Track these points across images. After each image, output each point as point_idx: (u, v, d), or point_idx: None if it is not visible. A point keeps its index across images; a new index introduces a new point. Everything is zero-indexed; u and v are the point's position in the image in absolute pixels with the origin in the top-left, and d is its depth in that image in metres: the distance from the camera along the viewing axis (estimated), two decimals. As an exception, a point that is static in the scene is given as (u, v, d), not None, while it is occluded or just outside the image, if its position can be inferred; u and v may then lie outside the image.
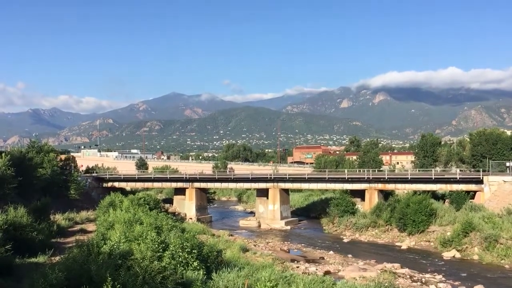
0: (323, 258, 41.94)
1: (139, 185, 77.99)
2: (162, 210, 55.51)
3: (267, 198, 66.73)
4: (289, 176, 67.78)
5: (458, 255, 41.55)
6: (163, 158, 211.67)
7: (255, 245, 46.64)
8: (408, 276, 34.34)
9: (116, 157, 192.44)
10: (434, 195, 59.43)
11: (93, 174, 77.63)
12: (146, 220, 28.48)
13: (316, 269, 35.52)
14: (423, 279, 33.55)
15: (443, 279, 33.59)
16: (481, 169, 59.37)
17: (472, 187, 55.33)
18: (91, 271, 12.32)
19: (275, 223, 64.83)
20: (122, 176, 77.37)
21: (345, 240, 52.46)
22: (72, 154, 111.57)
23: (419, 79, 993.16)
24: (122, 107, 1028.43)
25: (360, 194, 62.32)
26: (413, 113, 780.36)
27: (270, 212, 66.01)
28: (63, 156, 73.32)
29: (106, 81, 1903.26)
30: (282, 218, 65.61)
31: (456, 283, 32.41)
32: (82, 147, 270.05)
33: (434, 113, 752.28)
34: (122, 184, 76.05)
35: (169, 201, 77.10)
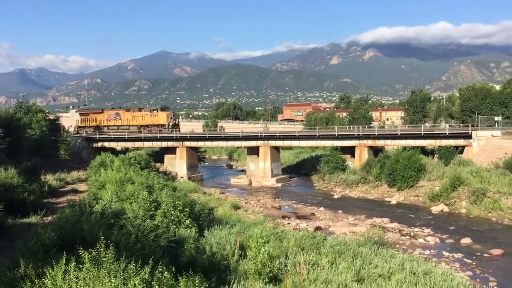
0: (313, 214, 42.46)
1: (129, 144, 77.60)
2: (153, 169, 55.54)
3: (258, 156, 66.95)
4: (280, 134, 67.86)
5: (446, 209, 42.19)
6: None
7: (246, 203, 47.05)
8: (397, 230, 34.93)
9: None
10: (424, 150, 59.86)
11: (82, 135, 77.15)
12: (138, 179, 28.53)
13: (307, 225, 36.01)
14: (412, 233, 34.16)
15: (431, 232, 34.21)
16: (470, 124, 59.69)
17: (461, 142, 55.75)
18: (84, 231, 12.40)
19: (266, 180, 65.27)
20: (112, 136, 76.91)
21: (336, 197, 53.04)
22: (61, 114, 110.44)
23: (410, 35, 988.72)
24: (110, 66, 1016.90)
25: (350, 150, 62.65)
26: (403, 69, 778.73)
27: (261, 170, 66.35)
28: (51, 116, 72.67)
29: (93, 40, 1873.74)
30: (273, 176, 66.03)
31: (444, 236, 33.03)
32: (71, 107, 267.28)
33: (424, 68, 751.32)
34: (112, 144, 75.68)
35: (160, 160, 77.10)
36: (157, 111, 76.86)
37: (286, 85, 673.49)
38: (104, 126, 78.33)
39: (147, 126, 76.05)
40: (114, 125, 77.85)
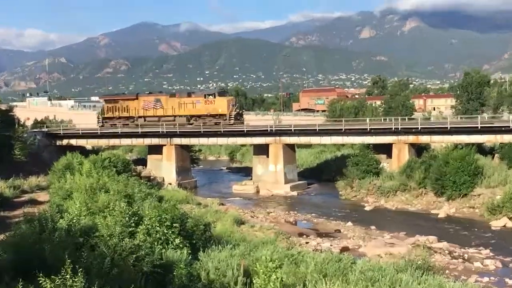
0: (339, 231, 42.38)
1: (102, 142, 77.90)
2: (134, 173, 55.60)
3: (267, 156, 66.86)
4: (295, 128, 67.73)
5: (510, 224, 41.96)
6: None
7: (252, 217, 46.98)
8: (446, 252, 34.80)
9: (72, 106, 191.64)
10: (481, 149, 59.58)
11: (43, 129, 77.42)
12: (113, 186, 28.56)
13: (331, 245, 35.94)
14: (466, 255, 34.02)
15: (491, 254, 34.04)
16: (541, 115, 59.42)
17: (529, 138, 55.46)
18: (45, 252, 12.44)
19: (277, 188, 65.22)
20: (80, 131, 77.22)
21: (367, 208, 52.92)
22: (15, 104, 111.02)
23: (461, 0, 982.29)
24: (78, 41, 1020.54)
25: (386, 149, 62.43)
26: (454, 44, 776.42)
27: (271, 174, 66.29)
28: (3, 106, 72.88)
29: (54, 8, 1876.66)
30: (286, 182, 65.97)
31: (507, 259, 32.88)
32: (28, 94, 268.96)
33: (481, 43, 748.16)
34: (81, 142, 75.95)
35: (142, 162, 77.28)
36: (214, 96, 73.21)
37: (303, 65, 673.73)
38: (140, 116, 76.23)
39: (199, 116, 73.25)
40: (154, 116, 75.61)
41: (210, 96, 73.54)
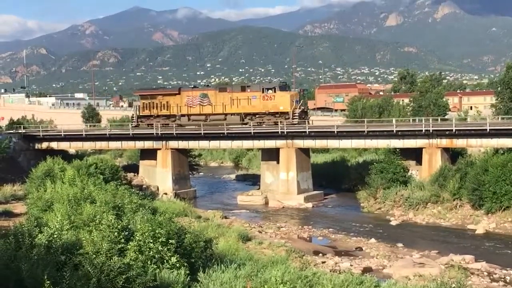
0: (360, 249, 42.34)
1: (88, 145, 78.02)
2: (124, 182, 55.69)
3: (278, 162, 66.85)
4: (310, 130, 67.67)
5: (559, 241, 41.86)
6: (122, 106, 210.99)
7: (260, 232, 47.02)
8: (485, 273, 34.71)
9: (54, 104, 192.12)
10: (525, 154, 59.41)
11: (19, 131, 77.57)
12: (100, 196, 28.64)
13: (351, 265, 35.93)
14: (508, 277, 33.95)
15: (537, 276, 33.97)
16: None
17: None
18: (22, 272, 12.47)
19: (289, 198, 65.17)
20: (62, 133, 77.34)
21: (393, 223, 52.84)
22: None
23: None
24: (60, 30, 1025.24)
25: (415, 154, 62.34)
26: (494, 33, 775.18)
27: (282, 183, 66.28)
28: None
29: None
30: (300, 192, 65.93)
31: (556, 282, 32.75)
32: (3, 90, 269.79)
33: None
34: (64, 145, 76.08)
35: (134, 168, 77.37)
36: (274, 91, 70.79)
37: (319, 57, 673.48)
38: (183, 115, 74.81)
39: (255, 114, 71.43)
40: (200, 114, 73.88)
41: (270, 90, 71.16)
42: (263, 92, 70.89)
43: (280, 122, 67.19)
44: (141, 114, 76.98)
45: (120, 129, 78.74)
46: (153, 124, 73.57)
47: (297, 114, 68.84)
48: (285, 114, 69.03)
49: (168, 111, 75.12)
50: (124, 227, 18.79)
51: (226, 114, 72.18)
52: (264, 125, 69.39)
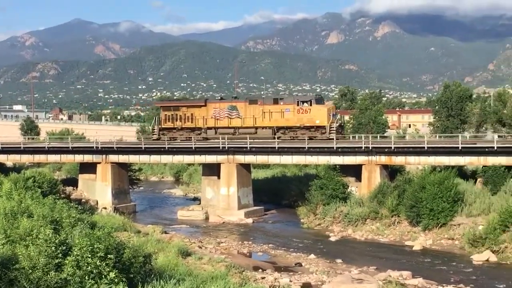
0: (300, 264, 42.45)
1: (26, 158, 76.76)
2: (62, 195, 54.99)
3: (219, 177, 66.84)
4: (252, 145, 67.79)
5: (493, 258, 42.54)
6: (62, 119, 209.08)
7: (200, 247, 46.83)
8: (422, 289, 35.14)
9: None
10: (462, 172, 60.42)
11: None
12: (38, 210, 28.21)
13: (291, 281, 35.96)
14: (444, 293, 34.41)
15: (473, 292, 34.53)
16: (528, 135, 60.41)
17: (515, 160, 56.47)
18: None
19: (230, 214, 65.17)
20: (0, 146, 76.13)
21: (333, 239, 53.16)
22: None
23: (442, 3, 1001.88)
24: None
25: (355, 171, 62.94)
26: (432, 53, 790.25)
27: (223, 199, 66.24)
28: None
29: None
30: (240, 207, 65.97)
31: (490, 298, 33.34)
32: None
33: (463, 53, 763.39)
34: (1, 158, 74.91)
35: (73, 182, 76.49)
36: (310, 104, 67.92)
37: (262, 73, 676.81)
38: (209, 128, 71.95)
39: (289, 128, 69.03)
40: (228, 127, 71.13)
41: (305, 103, 68.37)
42: (298, 105, 68.35)
43: (311, 137, 66.36)
44: (163, 126, 74.14)
45: (59, 142, 77.64)
46: (176, 137, 72.18)
47: (334, 128, 66.14)
48: (322, 128, 66.75)
49: (193, 123, 72.46)
50: (61, 241, 18.53)
51: (256, 128, 69.85)
52: (297, 140, 67.07)
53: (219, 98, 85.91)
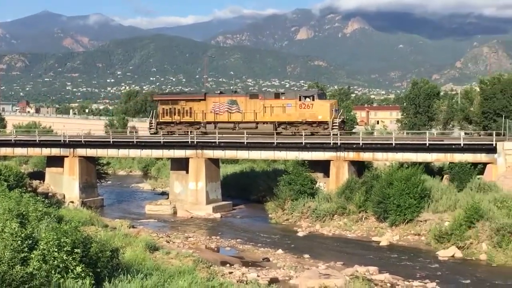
0: (267, 259, 42.50)
1: (-9, 151, 76.07)
2: (29, 189, 54.51)
3: (187, 172, 66.69)
4: (220, 140, 67.61)
5: (459, 253, 42.90)
6: (29, 112, 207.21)
7: (168, 242, 46.70)
8: (388, 284, 35.32)
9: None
10: (429, 169, 60.77)
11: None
12: (3, 204, 27.94)
13: (258, 276, 35.96)
14: (410, 288, 34.67)
15: (438, 287, 34.81)
16: (494, 133, 60.82)
17: (481, 157, 56.85)
18: None
19: (198, 208, 65.05)
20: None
21: (300, 234, 53.25)
22: None
23: (411, 1, 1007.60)
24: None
25: (323, 166, 63.04)
26: (401, 50, 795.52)
27: (191, 193, 66.09)
28: None
29: None
30: (208, 202, 65.87)
31: (456, 293, 33.64)
32: None
33: (431, 50, 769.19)
34: (-34, 151, 74.16)
35: (40, 175, 75.86)
36: (312, 99, 67.26)
37: (231, 67, 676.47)
38: (208, 122, 71.01)
39: (291, 123, 68.27)
40: (228, 121, 70.30)
41: (307, 98, 67.63)
42: (300, 100, 67.56)
43: (313, 133, 66.07)
44: (161, 120, 73.23)
45: (26, 135, 76.89)
46: (174, 131, 71.44)
47: (337, 124, 65.62)
48: (324, 123, 66.13)
49: (192, 117, 71.53)
50: (28, 235, 18.37)
51: (257, 123, 68.94)
52: (297, 135, 66.50)
53: (219, 92, 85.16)
